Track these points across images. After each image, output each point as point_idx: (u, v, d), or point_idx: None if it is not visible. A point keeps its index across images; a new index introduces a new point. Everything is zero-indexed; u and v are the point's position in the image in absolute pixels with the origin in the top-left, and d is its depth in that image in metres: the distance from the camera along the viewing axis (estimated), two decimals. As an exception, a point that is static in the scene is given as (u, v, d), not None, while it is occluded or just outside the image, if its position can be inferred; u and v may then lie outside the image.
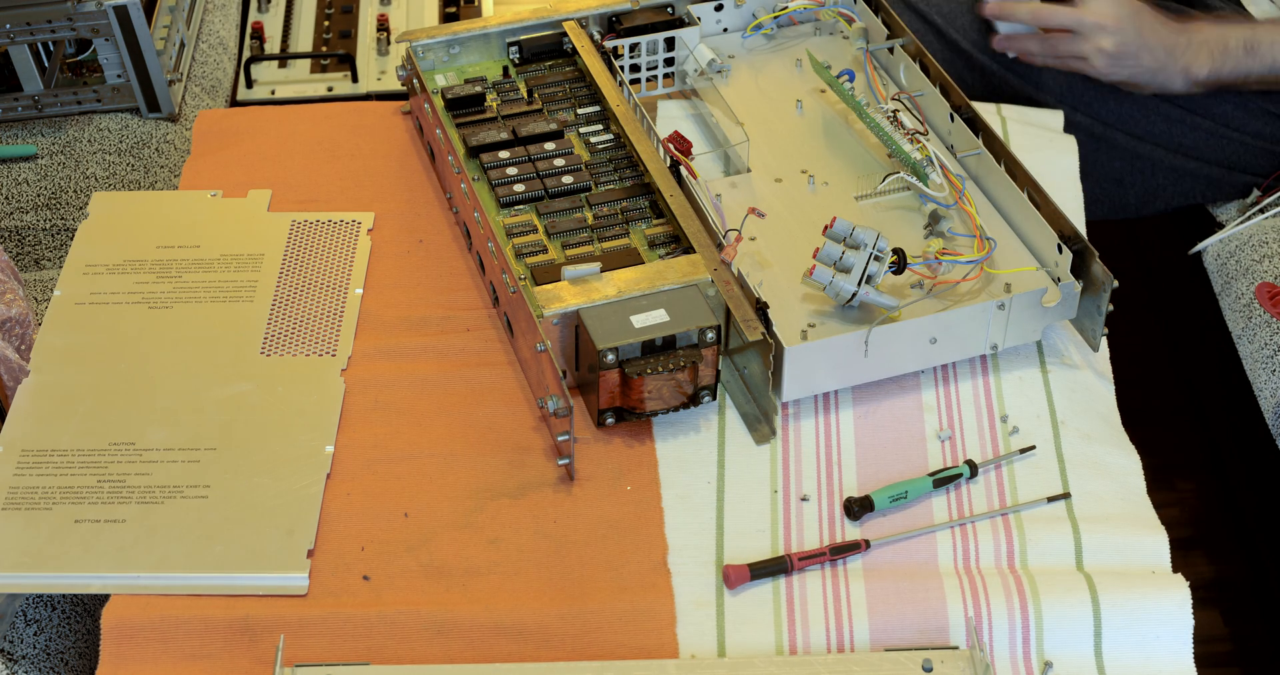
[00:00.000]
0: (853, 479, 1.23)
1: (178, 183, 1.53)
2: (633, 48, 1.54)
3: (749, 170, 1.44)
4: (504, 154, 1.42)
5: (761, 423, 1.27)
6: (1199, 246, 1.66)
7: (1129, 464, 1.25)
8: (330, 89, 1.82)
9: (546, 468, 1.24)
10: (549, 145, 1.43)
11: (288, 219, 1.45)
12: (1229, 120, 1.68)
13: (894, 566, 1.17)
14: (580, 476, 1.23)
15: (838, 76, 1.48)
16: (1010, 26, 1.68)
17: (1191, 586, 1.13)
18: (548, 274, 1.29)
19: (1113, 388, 1.32)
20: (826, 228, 1.28)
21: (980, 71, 1.75)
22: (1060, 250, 1.30)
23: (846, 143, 1.47)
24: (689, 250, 1.31)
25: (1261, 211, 1.65)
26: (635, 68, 1.56)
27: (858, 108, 1.44)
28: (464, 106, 1.47)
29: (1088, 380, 1.32)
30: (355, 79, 1.82)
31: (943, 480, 1.22)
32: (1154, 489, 1.25)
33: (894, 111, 1.42)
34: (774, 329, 1.24)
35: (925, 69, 1.47)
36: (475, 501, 1.22)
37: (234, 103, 1.83)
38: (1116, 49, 1.59)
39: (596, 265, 1.28)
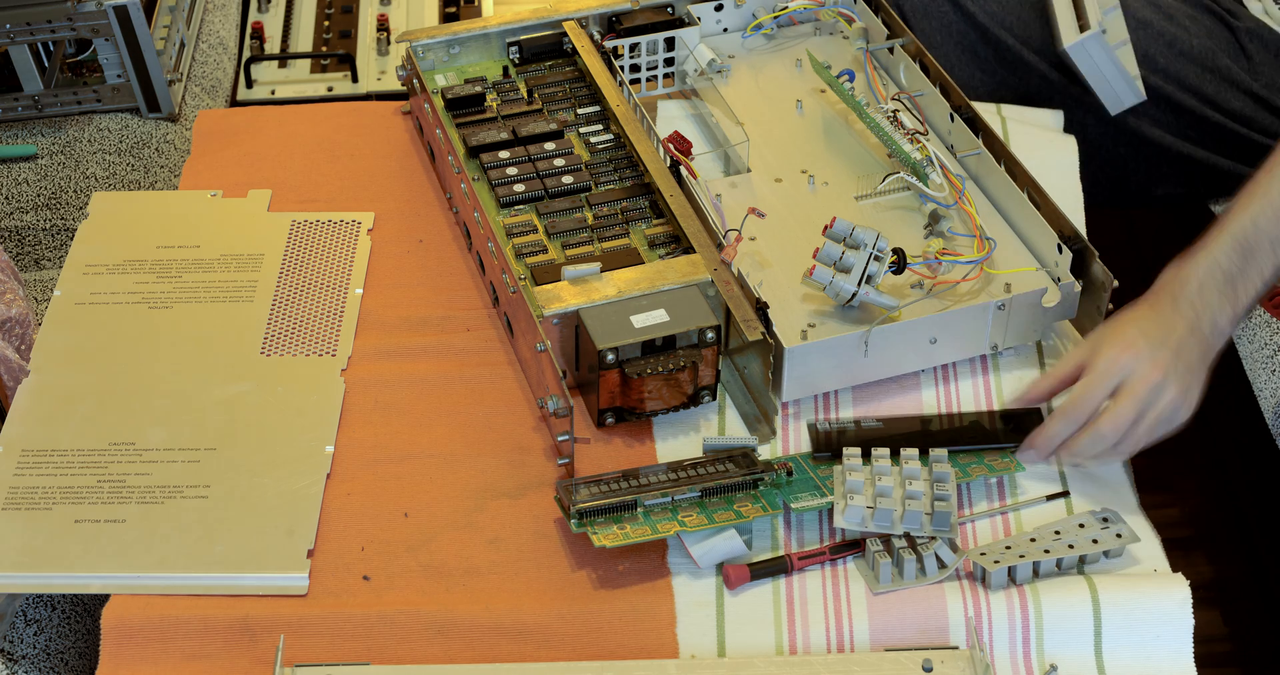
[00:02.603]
0: (853, 479, 1.23)
1: (178, 183, 1.53)
2: (633, 48, 1.54)
3: (749, 170, 1.44)
4: (504, 154, 1.42)
5: (761, 423, 1.27)
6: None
7: (1122, 471, 1.25)
8: (330, 89, 1.82)
9: (546, 468, 1.24)
10: (549, 145, 1.43)
11: (288, 219, 1.45)
12: (1238, 115, 1.68)
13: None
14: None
15: (838, 76, 1.48)
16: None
17: (1191, 586, 1.13)
18: (548, 274, 1.29)
19: (1112, 388, 1.32)
20: (826, 228, 1.28)
21: (995, 47, 1.73)
22: (1060, 250, 1.30)
23: (846, 143, 1.47)
24: (689, 250, 1.31)
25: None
26: (635, 68, 1.56)
27: (858, 108, 1.44)
28: (464, 106, 1.47)
29: (1088, 380, 1.32)
30: (355, 79, 1.82)
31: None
32: (1154, 489, 1.25)
33: (894, 111, 1.42)
34: (774, 329, 1.24)
35: (925, 69, 1.47)
36: (475, 501, 1.22)
37: (234, 103, 1.83)
38: (1181, 394, 1.21)
39: (596, 265, 1.28)
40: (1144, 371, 1.21)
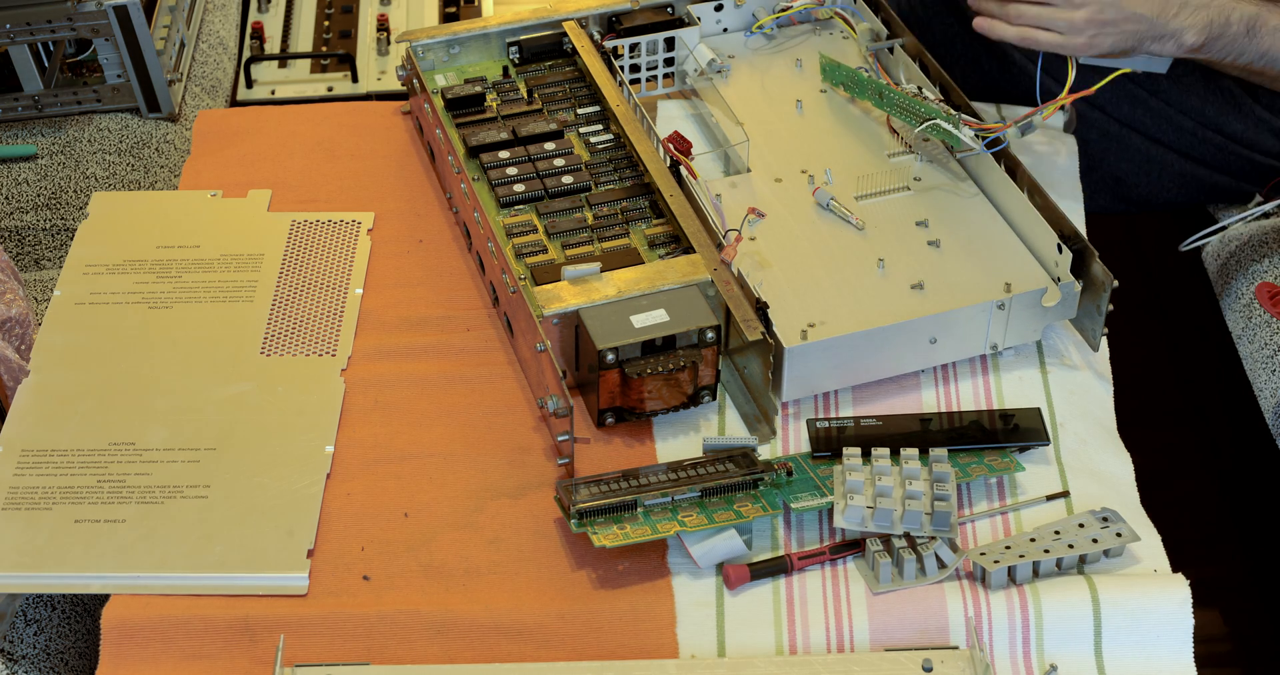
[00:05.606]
0: (853, 479, 1.23)
1: (178, 183, 1.53)
2: (633, 48, 1.54)
3: (749, 170, 1.44)
4: (504, 154, 1.42)
5: (761, 423, 1.27)
6: (1191, 241, 1.65)
7: (1122, 471, 1.25)
8: (330, 89, 1.82)
9: (546, 468, 1.24)
10: (549, 145, 1.43)
11: (288, 219, 1.45)
12: (1239, 137, 1.68)
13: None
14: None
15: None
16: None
17: (1191, 586, 1.13)
18: (548, 274, 1.29)
19: (1111, 389, 1.32)
20: None
21: (1000, 60, 1.73)
22: (1060, 250, 1.30)
23: (847, 143, 1.47)
24: (689, 250, 1.31)
25: (1263, 213, 1.65)
26: (635, 68, 1.56)
27: (881, 87, 1.44)
28: (464, 106, 1.47)
29: (1087, 381, 1.32)
30: (355, 79, 1.82)
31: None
32: (1154, 489, 1.25)
33: (918, 87, 1.43)
34: (774, 329, 1.24)
35: (925, 69, 1.47)
36: (475, 501, 1.22)
37: (234, 103, 1.83)
38: (1090, 20, 1.38)
39: (596, 265, 1.28)
40: (1102, 8, 1.37)
